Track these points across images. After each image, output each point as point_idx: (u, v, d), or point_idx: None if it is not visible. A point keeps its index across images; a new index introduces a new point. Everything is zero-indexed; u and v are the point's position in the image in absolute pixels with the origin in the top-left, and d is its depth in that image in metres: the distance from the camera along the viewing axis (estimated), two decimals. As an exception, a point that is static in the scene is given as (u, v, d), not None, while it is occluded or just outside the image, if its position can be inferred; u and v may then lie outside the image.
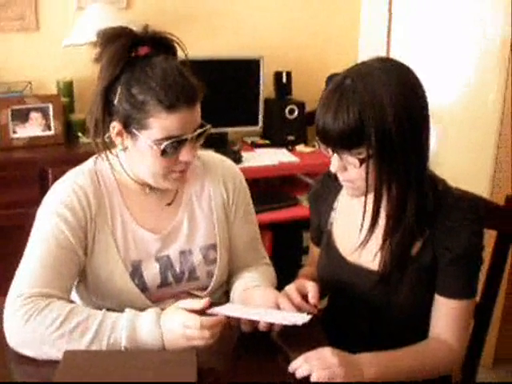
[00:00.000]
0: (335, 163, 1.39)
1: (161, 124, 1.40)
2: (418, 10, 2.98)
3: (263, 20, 3.42)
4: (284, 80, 3.36)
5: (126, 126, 1.44)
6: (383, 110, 1.29)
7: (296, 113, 3.29)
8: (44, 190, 1.55)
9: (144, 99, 1.40)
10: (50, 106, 2.83)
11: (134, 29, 1.47)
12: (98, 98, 1.43)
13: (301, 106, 3.31)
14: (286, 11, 3.46)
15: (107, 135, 1.48)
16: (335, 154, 1.38)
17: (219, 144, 3.07)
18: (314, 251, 1.74)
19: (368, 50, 3.07)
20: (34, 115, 2.81)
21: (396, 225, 1.41)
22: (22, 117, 2.78)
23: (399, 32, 3.12)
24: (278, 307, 1.42)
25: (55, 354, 1.31)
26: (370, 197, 1.40)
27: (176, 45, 1.52)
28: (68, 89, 2.98)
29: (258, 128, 3.34)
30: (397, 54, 2.78)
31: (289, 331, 1.38)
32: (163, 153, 1.43)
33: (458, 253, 1.40)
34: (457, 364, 1.49)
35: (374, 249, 1.46)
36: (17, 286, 1.39)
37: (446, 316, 1.43)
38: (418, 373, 1.40)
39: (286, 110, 3.28)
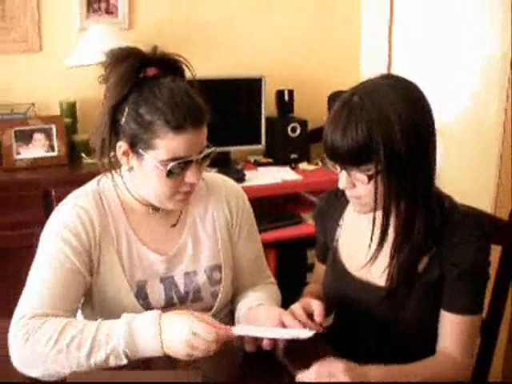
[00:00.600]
0: (343, 180, 1.40)
1: (167, 145, 1.41)
2: (418, 27, 3.00)
3: (264, 39, 3.44)
4: (286, 98, 3.37)
5: (133, 145, 1.44)
6: (391, 127, 1.30)
7: (298, 131, 3.29)
8: (48, 210, 1.56)
9: (151, 119, 1.40)
10: (54, 127, 2.84)
11: (143, 49, 1.47)
12: (105, 118, 1.43)
13: (303, 123, 3.32)
14: (286, 30, 3.48)
15: (112, 155, 1.48)
16: (343, 171, 1.39)
17: (222, 163, 3.08)
18: (319, 268, 1.74)
19: (369, 68, 3.09)
20: (37, 136, 2.82)
21: (404, 241, 1.42)
22: (25, 138, 2.79)
23: (400, 49, 3.14)
24: (283, 325, 1.42)
25: (60, 370, 1.32)
26: (379, 213, 1.40)
27: (184, 66, 1.53)
28: (71, 110, 2.99)
29: (261, 147, 3.35)
30: (398, 71, 2.79)
31: (293, 348, 1.38)
32: (169, 174, 1.43)
33: (465, 268, 1.40)
34: (465, 379, 1.48)
35: (382, 265, 1.46)
36: (20, 309, 1.40)
37: (453, 331, 1.43)
38: None
39: (289, 128, 3.29)
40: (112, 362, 1.34)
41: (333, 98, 3.36)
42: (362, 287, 1.52)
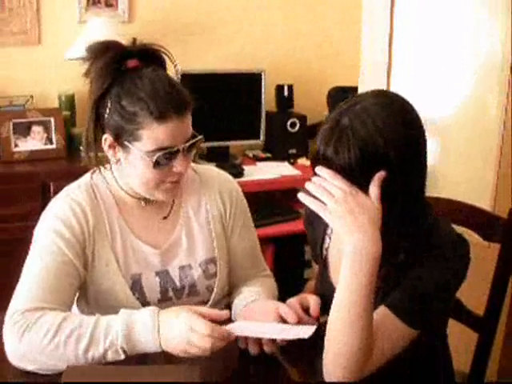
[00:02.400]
0: None
1: (152, 135, 1.41)
2: (419, 24, 2.99)
3: (264, 33, 3.44)
4: (286, 93, 3.37)
5: (118, 138, 1.45)
6: (385, 148, 1.25)
7: (298, 126, 3.29)
8: (45, 203, 1.55)
9: (134, 110, 1.40)
10: (52, 120, 2.84)
11: (123, 42, 1.48)
12: (89, 112, 1.45)
13: (302, 119, 3.32)
14: (287, 24, 3.48)
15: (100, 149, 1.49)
16: None
17: (221, 157, 3.08)
18: (317, 267, 1.74)
19: (370, 63, 3.08)
20: (35, 129, 2.82)
21: (385, 261, 1.33)
22: (23, 130, 2.79)
23: (401, 45, 3.13)
24: (281, 318, 1.41)
25: (57, 364, 1.31)
26: None
27: (165, 56, 1.52)
28: (69, 102, 2.99)
29: (260, 141, 3.35)
30: (398, 66, 2.78)
31: (290, 348, 1.37)
32: (156, 164, 1.43)
33: (421, 280, 1.32)
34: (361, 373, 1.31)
35: None
36: (14, 303, 1.39)
37: (382, 327, 1.31)
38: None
39: (288, 124, 3.29)
40: (109, 357, 1.33)
41: (332, 93, 3.36)
42: None
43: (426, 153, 1.35)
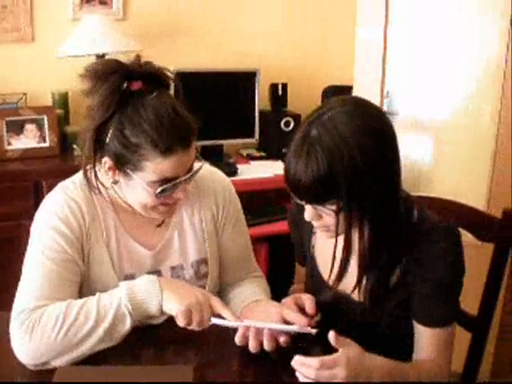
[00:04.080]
0: (310, 212, 1.37)
1: (156, 168, 1.39)
2: (414, 22, 2.99)
3: (259, 32, 3.43)
4: (280, 92, 3.37)
5: (119, 164, 1.42)
6: (353, 160, 1.26)
7: (292, 125, 3.29)
8: (38, 202, 1.54)
9: (138, 142, 1.37)
10: (45, 118, 2.83)
11: (127, 62, 1.43)
12: (89, 137, 1.41)
13: (297, 118, 3.31)
14: (281, 23, 3.48)
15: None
16: (309, 204, 1.36)
17: (215, 156, 3.07)
18: (300, 270, 1.75)
19: (364, 61, 3.08)
20: (28, 127, 2.81)
21: (370, 263, 1.40)
22: (16, 128, 2.78)
23: (396, 43, 3.13)
24: (285, 321, 1.41)
25: (74, 350, 1.34)
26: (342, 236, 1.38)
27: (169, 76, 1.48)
28: (63, 100, 2.98)
29: (254, 140, 3.35)
30: (394, 64, 2.79)
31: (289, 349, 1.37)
32: (158, 193, 1.42)
33: (435, 284, 1.39)
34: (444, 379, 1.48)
35: (353, 281, 1.44)
36: (18, 303, 1.39)
37: (429, 344, 1.42)
38: None
39: (282, 123, 3.29)
40: (119, 326, 1.37)
41: (327, 92, 3.36)
42: (337, 298, 1.51)
43: (396, 159, 1.35)
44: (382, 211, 1.34)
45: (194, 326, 1.38)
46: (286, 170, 1.34)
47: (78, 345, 1.34)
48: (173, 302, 1.39)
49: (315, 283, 1.60)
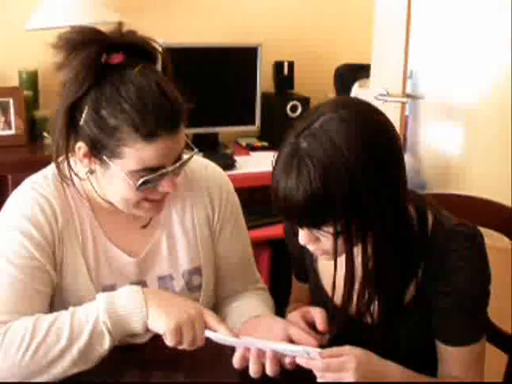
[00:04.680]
0: (304, 236, 1.37)
1: (137, 154, 1.38)
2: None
3: (262, 2, 3.43)
4: (285, 71, 3.37)
5: (94, 150, 1.41)
6: (350, 173, 1.25)
7: (299, 110, 3.29)
8: (3, 199, 1.54)
9: (116, 124, 1.36)
10: (11, 101, 2.83)
11: (106, 31, 1.42)
12: (61, 117, 1.40)
13: (305, 101, 3.32)
14: (288, -9, 3.48)
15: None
16: (304, 228, 1.36)
17: (209, 147, 3.07)
18: (298, 287, 1.76)
19: (384, 37, 3.07)
20: (-9, 111, 2.82)
21: (378, 283, 1.40)
22: (-23, 113, 2.79)
23: (422, 14, 3.13)
24: (290, 340, 1.40)
25: (41, 371, 1.33)
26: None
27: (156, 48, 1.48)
28: (32, 80, 2.98)
29: (255, 128, 3.36)
30: (418, 42, 2.78)
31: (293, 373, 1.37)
32: (139, 186, 1.41)
33: (458, 298, 1.39)
34: None
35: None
36: None
37: (456, 363, 1.43)
38: None
39: (288, 107, 3.29)
40: (96, 345, 1.35)
41: (341, 71, 3.35)
42: (345, 318, 1.49)
43: (401, 167, 1.35)
44: (386, 228, 1.34)
45: (184, 346, 1.38)
46: (274, 189, 1.33)
47: (47, 367, 1.33)
48: (160, 318, 1.38)
49: (319, 300, 1.59)
